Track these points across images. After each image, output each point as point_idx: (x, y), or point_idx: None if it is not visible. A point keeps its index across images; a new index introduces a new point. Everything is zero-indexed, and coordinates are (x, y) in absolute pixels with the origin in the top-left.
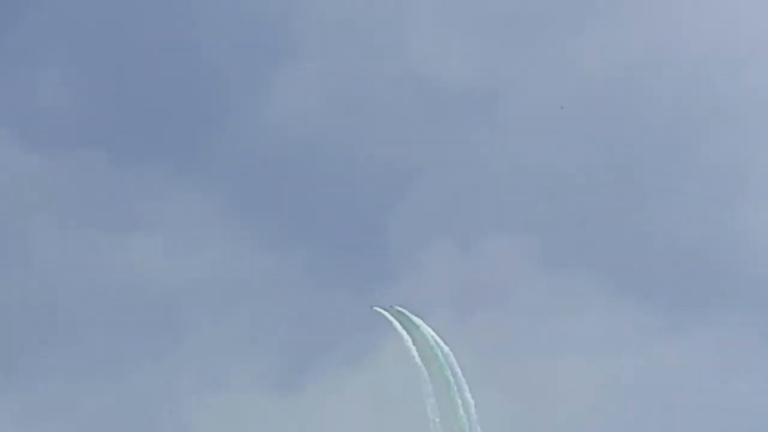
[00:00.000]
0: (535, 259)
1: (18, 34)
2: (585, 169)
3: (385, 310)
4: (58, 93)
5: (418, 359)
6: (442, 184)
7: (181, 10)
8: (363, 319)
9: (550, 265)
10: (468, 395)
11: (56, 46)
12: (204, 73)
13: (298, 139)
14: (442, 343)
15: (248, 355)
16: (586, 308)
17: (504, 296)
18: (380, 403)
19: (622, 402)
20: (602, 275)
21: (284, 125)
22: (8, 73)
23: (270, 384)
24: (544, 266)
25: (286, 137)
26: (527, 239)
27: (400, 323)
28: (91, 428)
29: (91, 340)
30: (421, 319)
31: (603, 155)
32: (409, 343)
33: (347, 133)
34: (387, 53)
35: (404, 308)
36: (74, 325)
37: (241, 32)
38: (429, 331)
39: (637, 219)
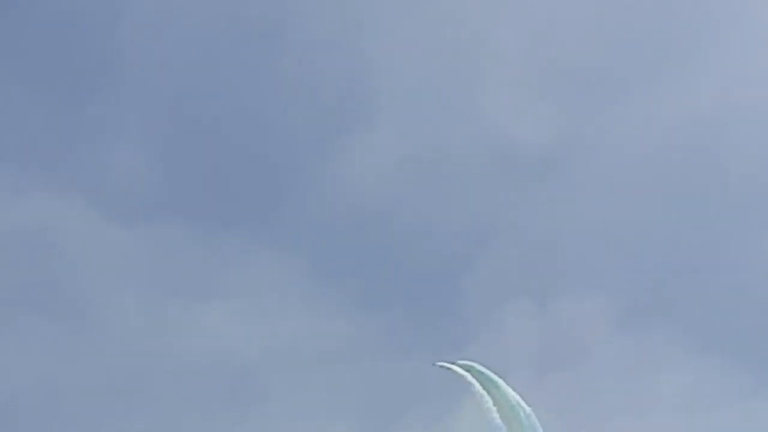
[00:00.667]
0: (614, 317)
1: (97, 106)
2: (662, 226)
3: (451, 363)
4: (137, 164)
5: (498, 420)
6: (517, 245)
7: (257, 79)
8: (442, 381)
9: (629, 323)
10: None
11: (134, 118)
12: (279, 140)
13: (373, 204)
14: (523, 403)
15: (327, 421)
16: (668, 367)
17: (583, 355)
18: None
19: None
20: (683, 333)
21: (360, 191)
22: (88, 144)
23: None
24: (624, 325)
25: (362, 203)
26: (606, 298)
27: (480, 383)
28: None
29: (169, 409)
30: (501, 378)
31: (680, 211)
32: (490, 403)
33: (422, 196)
34: (460, 116)
35: (477, 364)
36: (153, 393)
37: (315, 99)
38: (510, 391)
39: (718, 276)
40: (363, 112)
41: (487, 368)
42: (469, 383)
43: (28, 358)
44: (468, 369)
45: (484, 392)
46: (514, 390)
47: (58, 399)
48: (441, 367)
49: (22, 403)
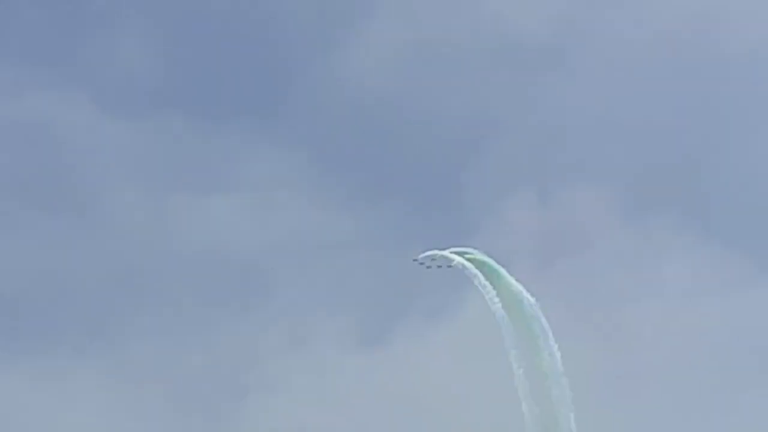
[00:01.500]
0: (617, 206)
1: (95, 1)
2: (665, 115)
3: (448, 252)
4: (136, 58)
5: (502, 310)
6: (520, 136)
7: None
8: (445, 273)
9: (632, 212)
10: (553, 344)
11: (132, 12)
12: (278, 34)
13: (374, 96)
14: (527, 293)
15: (331, 312)
16: (670, 255)
17: (587, 245)
18: (464, 355)
19: (707, 347)
20: (686, 221)
21: (360, 83)
22: (86, 39)
23: (353, 340)
24: (627, 214)
25: (362, 95)
26: (609, 187)
27: (483, 274)
28: (178, 387)
29: (174, 302)
30: (505, 268)
31: (683, 100)
32: (493, 294)
33: (423, 88)
34: (463, 4)
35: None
36: (158, 288)
37: None
38: (513, 281)
39: (721, 165)
40: (362, 3)
41: (491, 258)
42: (473, 274)
43: (31, 252)
44: (470, 259)
45: (486, 282)
46: (517, 280)
47: (61, 293)
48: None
49: (25, 296)
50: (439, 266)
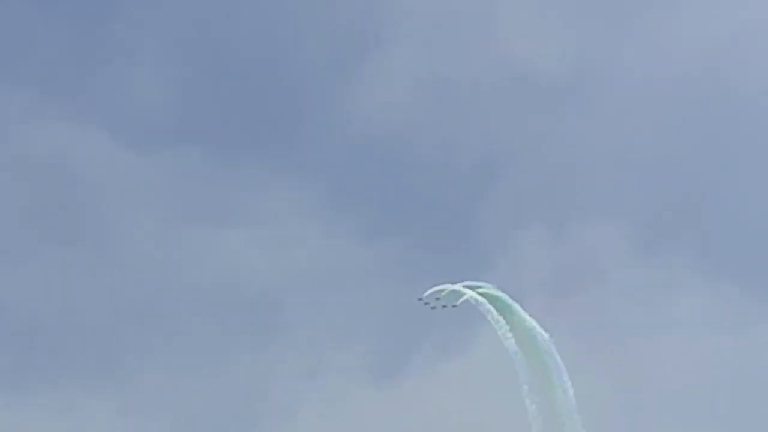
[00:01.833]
0: (630, 243)
1: (113, 34)
2: (678, 151)
3: (436, 298)
4: (153, 91)
5: (515, 345)
6: (534, 171)
7: (271, 8)
8: (458, 308)
9: (645, 249)
10: (566, 380)
11: (150, 45)
12: (296, 65)
13: (388, 130)
14: (540, 329)
15: (344, 345)
16: (682, 291)
17: (600, 280)
18: (476, 390)
19: (720, 382)
20: (699, 259)
21: (374, 117)
22: (103, 72)
23: (366, 373)
24: (640, 250)
25: (376, 129)
26: (621, 223)
27: (496, 309)
28: (190, 420)
29: (189, 334)
30: (518, 303)
31: (696, 137)
32: (506, 329)
33: (438, 123)
34: (477, 40)
35: (491, 286)
36: (172, 320)
37: (331, 22)
38: (526, 316)
39: (734, 202)
40: (380, 36)
41: (504, 293)
42: (486, 309)
43: (45, 284)
44: (484, 294)
45: (500, 317)
46: (530, 315)
47: (74, 325)
48: (438, 294)
49: (39, 328)
50: (444, 306)
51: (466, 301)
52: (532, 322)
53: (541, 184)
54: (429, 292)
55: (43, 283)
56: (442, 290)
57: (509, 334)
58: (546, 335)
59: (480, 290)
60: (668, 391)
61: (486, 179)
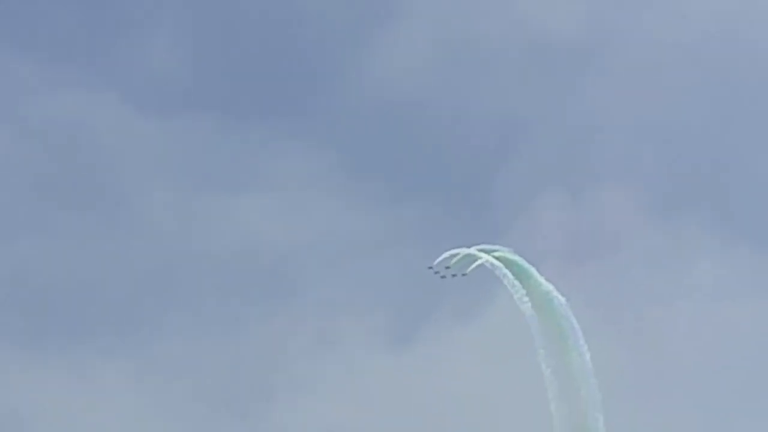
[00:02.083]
0: (647, 207)
1: (126, 0)
2: (696, 115)
3: (446, 267)
4: (167, 57)
5: (531, 309)
6: (551, 136)
7: None
8: (474, 272)
9: (662, 213)
10: (582, 345)
11: (164, 10)
12: (309, 33)
13: (406, 95)
14: (556, 293)
15: (360, 312)
16: (700, 255)
17: (617, 245)
18: (492, 355)
19: (736, 348)
20: (716, 224)
21: (390, 83)
22: (117, 38)
23: (382, 340)
24: (657, 214)
25: (394, 94)
26: (639, 187)
27: (512, 273)
28: (206, 386)
29: (203, 301)
30: (534, 268)
31: (714, 100)
32: (522, 293)
33: (454, 88)
34: (494, 6)
35: (507, 250)
36: (187, 286)
37: None
38: (543, 281)
39: (751, 166)
40: (393, 3)
41: (521, 257)
42: (502, 273)
43: (60, 250)
44: (499, 258)
45: (516, 281)
46: (547, 280)
47: (90, 292)
48: (448, 263)
49: (54, 295)
50: (454, 275)
51: (480, 267)
52: (548, 287)
53: (558, 149)
54: (440, 258)
55: (59, 249)
56: (455, 255)
57: (525, 299)
58: (562, 299)
59: (495, 254)
60: (684, 356)
61: (503, 144)
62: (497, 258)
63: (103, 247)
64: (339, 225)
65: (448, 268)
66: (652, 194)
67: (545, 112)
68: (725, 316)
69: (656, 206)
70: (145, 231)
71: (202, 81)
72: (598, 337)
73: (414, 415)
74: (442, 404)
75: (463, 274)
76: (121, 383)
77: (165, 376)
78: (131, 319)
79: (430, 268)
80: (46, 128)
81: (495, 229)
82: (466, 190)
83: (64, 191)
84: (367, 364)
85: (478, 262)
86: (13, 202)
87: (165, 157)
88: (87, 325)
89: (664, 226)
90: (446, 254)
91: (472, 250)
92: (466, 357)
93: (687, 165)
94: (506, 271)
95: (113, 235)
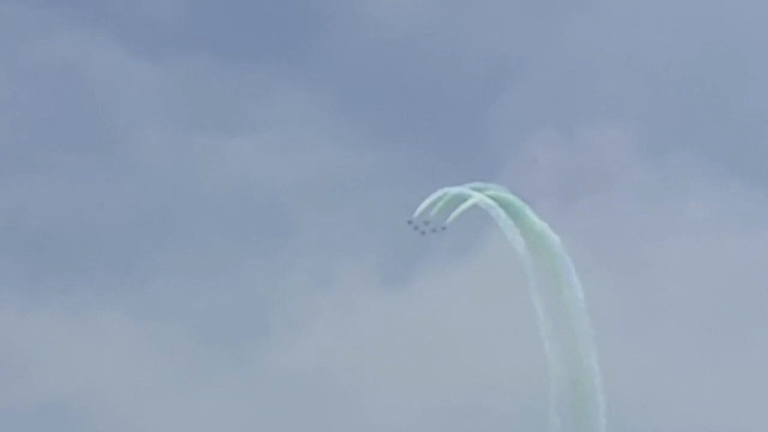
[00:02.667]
0: (640, 144)
1: None
2: (688, 53)
3: (425, 222)
4: None
5: (524, 248)
6: (543, 75)
7: None
8: (468, 211)
9: (655, 150)
10: (576, 282)
11: None
12: None
13: (398, 35)
14: (550, 231)
15: (355, 251)
16: (691, 193)
17: (609, 183)
18: (486, 293)
19: (729, 284)
20: (707, 160)
21: (384, 22)
22: None
23: (377, 279)
24: (650, 151)
25: (386, 34)
26: (630, 125)
27: (506, 212)
28: (202, 326)
29: (199, 241)
30: (528, 206)
31: (704, 39)
32: (516, 232)
33: (448, 27)
34: None
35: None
36: (182, 226)
37: None
38: (536, 219)
39: (742, 103)
40: None
41: (514, 196)
42: (496, 212)
43: (57, 191)
44: (493, 196)
45: (509, 220)
46: (540, 219)
47: (87, 232)
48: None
49: (51, 235)
50: (434, 230)
51: (466, 210)
52: (542, 225)
53: (551, 88)
54: (422, 206)
55: (54, 189)
56: (440, 200)
57: (519, 237)
58: (556, 238)
59: (489, 193)
60: (677, 293)
61: (495, 83)
62: (490, 197)
63: (99, 188)
64: (333, 164)
65: (426, 223)
66: (645, 132)
67: (538, 50)
68: (717, 252)
69: (649, 144)
70: (141, 171)
71: (197, 22)
72: (591, 274)
73: (408, 353)
74: (436, 342)
75: (443, 228)
76: (118, 322)
77: (161, 314)
78: (127, 259)
79: (410, 222)
80: (40, 69)
81: (488, 168)
82: (460, 128)
83: (59, 132)
84: (362, 303)
85: (466, 203)
86: (8, 143)
87: (160, 98)
88: (83, 265)
89: (656, 163)
90: (427, 202)
91: (465, 189)
92: (460, 296)
93: (679, 102)
94: (500, 210)
95: (109, 176)
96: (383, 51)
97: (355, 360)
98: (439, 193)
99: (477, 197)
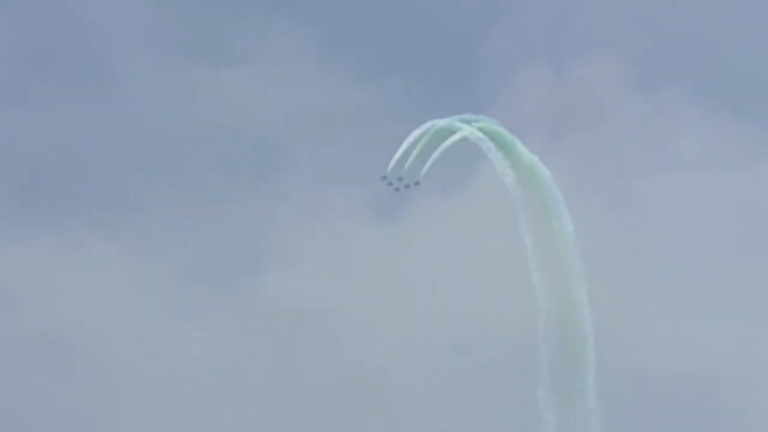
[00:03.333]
0: (632, 78)
1: None
2: None
3: (398, 179)
4: None
5: (514, 181)
6: (536, 9)
7: None
8: (459, 144)
9: (647, 84)
10: (565, 216)
11: None
12: None
13: None
14: (540, 165)
15: (346, 184)
16: (683, 127)
17: (600, 117)
18: (475, 227)
19: (719, 218)
20: (699, 95)
21: None
22: None
23: (367, 212)
24: (641, 86)
25: None
26: (622, 59)
27: (496, 145)
28: (194, 259)
29: (191, 174)
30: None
31: None
32: (506, 165)
33: None
34: None
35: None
36: (173, 160)
37: None
38: (526, 152)
39: (733, 37)
40: None
41: (504, 129)
42: (486, 146)
43: (48, 124)
44: (483, 129)
45: (500, 154)
46: (531, 152)
47: (78, 165)
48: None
49: (43, 169)
50: (407, 186)
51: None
52: (532, 158)
53: (543, 21)
54: (396, 157)
55: (46, 123)
56: (417, 142)
57: (509, 171)
58: (547, 171)
59: (478, 125)
60: (667, 227)
61: (488, 17)
62: (480, 129)
63: (91, 120)
64: (325, 98)
65: (400, 179)
66: (637, 66)
67: None
68: (707, 186)
69: (640, 78)
70: (133, 104)
71: None
72: (581, 208)
73: (399, 287)
74: (427, 276)
75: (416, 183)
76: (109, 255)
77: (152, 248)
78: (119, 193)
79: (384, 178)
80: (32, 2)
81: (480, 102)
82: (452, 62)
83: (50, 64)
84: (353, 236)
85: (455, 137)
86: (1, 75)
87: (153, 30)
88: (75, 199)
89: (648, 97)
90: (401, 150)
91: (454, 121)
92: (450, 229)
93: (671, 36)
94: (490, 143)
95: (100, 108)
96: None
97: (346, 294)
98: (428, 124)
99: (467, 130)
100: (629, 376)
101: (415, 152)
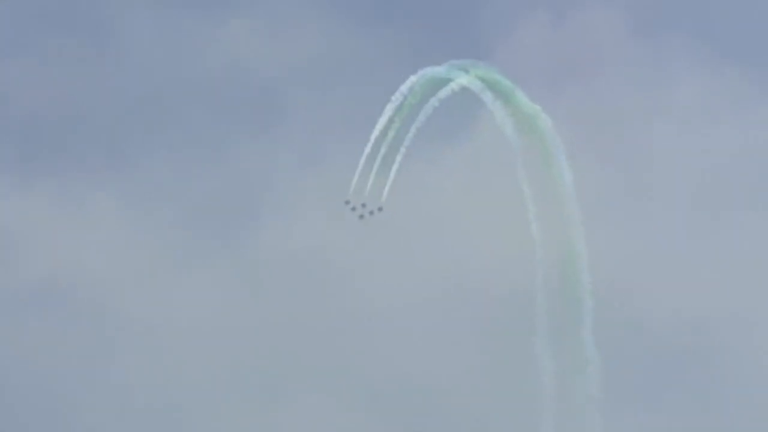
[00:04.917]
0: (631, 27)
1: None
2: None
3: (362, 205)
4: None
5: (513, 129)
6: None
7: None
8: (457, 93)
9: (646, 32)
10: (564, 164)
11: None
12: None
13: None
14: (540, 113)
15: (346, 134)
16: (683, 76)
17: (601, 65)
18: (474, 177)
19: (719, 166)
20: (700, 42)
21: None
22: None
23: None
24: (641, 34)
25: None
26: (622, 7)
27: (494, 94)
28: (192, 209)
29: (190, 125)
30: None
31: None
32: (505, 114)
33: None
34: None
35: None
36: (174, 111)
37: None
38: (526, 101)
39: None
40: None
41: (504, 77)
42: (485, 94)
43: (44, 73)
44: (482, 77)
45: (499, 102)
46: (531, 101)
47: (75, 115)
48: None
49: (39, 119)
50: (371, 212)
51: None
52: (532, 107)
53: None
54: (355, 180)
55: (41, 73)
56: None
57: (508, 119)
58: (547, 120)
59: (477, 73)
60: (667, 176)
61: None
62: (479, 77)
63: (88, 70)
64: (325, 47)
65: (363, 205)
66: (636, 14)
67: None
68: (708, 135)
69: (640, 26)
70: (131, 54)
71: None
72: (581, 157)
73: (396, 238)
74: (425, 226)
75: (380, 209)
76: (108, 204)
77: (151, 196)
78: (117, 142)
79: (347, 203)
80: None
81: (479, 50)
82: (451, 11)
83: (46, 14)
84: (352, 184)
85: (451, 84)
86: None
87: None
88: (72, 149)
89: (648, 46)
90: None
91: (451, 70)
92: (449, 179)
93: None
94: (488, 91)
95: (98, 59)
96: None
97: (346, 242)
98: (423, 71)
99: (464, 79)
100: (627, 325)
101: (404, 109)
